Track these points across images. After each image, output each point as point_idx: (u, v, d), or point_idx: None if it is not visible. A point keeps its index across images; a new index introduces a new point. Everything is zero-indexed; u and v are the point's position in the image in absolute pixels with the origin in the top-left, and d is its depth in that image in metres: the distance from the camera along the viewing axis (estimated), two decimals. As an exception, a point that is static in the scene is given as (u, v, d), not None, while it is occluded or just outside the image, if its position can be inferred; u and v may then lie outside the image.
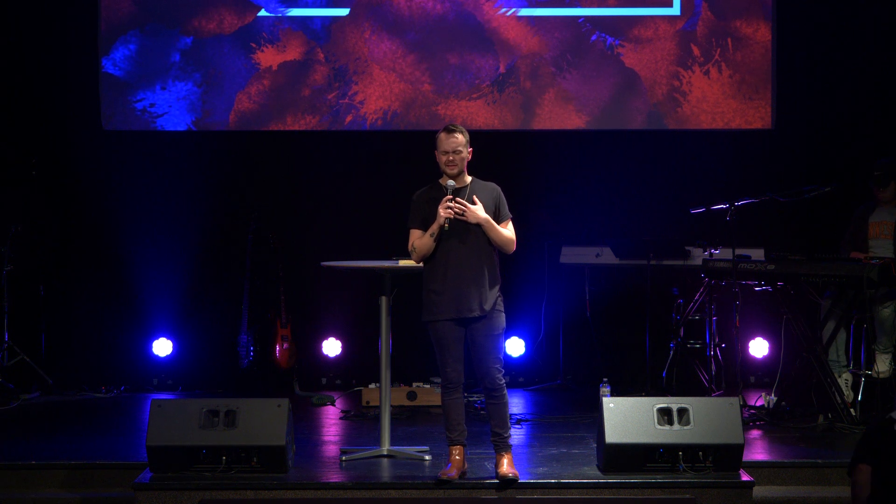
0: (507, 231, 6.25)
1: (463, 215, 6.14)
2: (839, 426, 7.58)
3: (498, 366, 6.23)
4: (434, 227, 6.15)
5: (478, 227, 6.17)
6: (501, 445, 6.29)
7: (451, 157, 6.21)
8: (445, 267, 6.18)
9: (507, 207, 6.31)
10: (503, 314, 6.26)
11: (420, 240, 6.21)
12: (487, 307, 6.17)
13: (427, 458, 6.75)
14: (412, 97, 9.54)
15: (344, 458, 6.80)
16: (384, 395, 6.91)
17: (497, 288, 6.24)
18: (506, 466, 6.24)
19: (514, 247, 6.26)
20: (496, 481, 6.26)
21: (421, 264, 6.32)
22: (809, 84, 9.54)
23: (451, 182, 6.21)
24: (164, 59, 9.54)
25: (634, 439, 6.35)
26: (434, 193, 6.26)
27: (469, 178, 6.30)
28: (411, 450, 6.90)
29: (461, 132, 6.24)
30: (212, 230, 9.66)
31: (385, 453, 6.83)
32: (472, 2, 9.51)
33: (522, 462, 6.73)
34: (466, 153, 6.25)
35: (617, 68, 9.54)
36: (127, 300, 9.61)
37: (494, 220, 6.21)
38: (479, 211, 6.16)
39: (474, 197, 6.22)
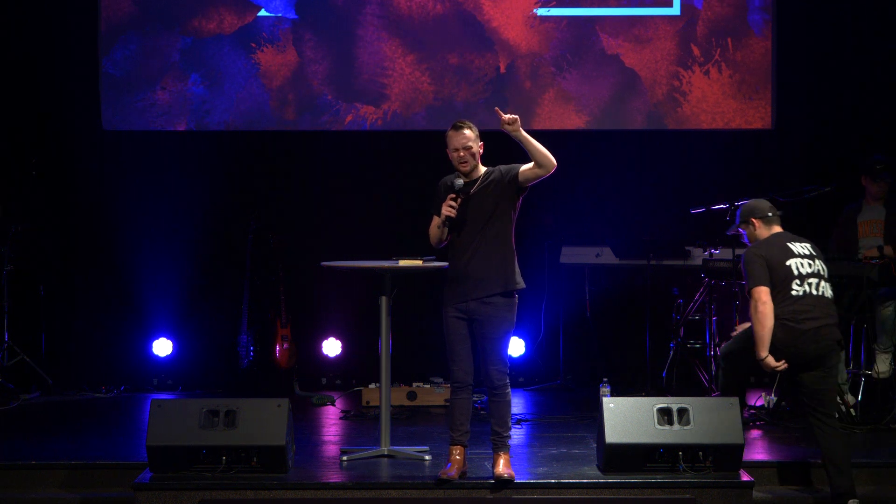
0: (535, 146, 6.14)
1: (455, 210, 6.15)
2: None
3: (500, 366, 6.21)
4: (439, 221, 6.20)
5: (490, 219, 6.16)
6: (500, 445, 6.28)
7: (461, 154, 6.21)
8: (454, 255, 6.25)
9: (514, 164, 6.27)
10: (511, 315, 6.22)
11: (431, 227, 6.27)
12: (507, 287, 6.15)
13: (427, 458, 6.75)
14: (412, 97, 9.54)
15: (344, 458, 6.80)
16: (384, 395, 6.90)
17: (506, 283, 6.18)
18: (502, 466, 6.23)
19: (552, 159, 6.17)
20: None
21: (423, 262, 6.43)
22: (809, 84, 9.54)
23: (458, 181, 6.21)
24: (164, 59, 9.54)
25: (634, 439, 6.35)
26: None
27: (483, 170, 6.29)
28: (411, 450, 6.90)
29: (469, 127, 6.23)
30: (212, 230, 9.66)
31: (385, 453, 6.83)
32: (473, 2, 9.52)
33: (522, 462, 6.73)
34: (477, 148, 6.25)
35: (617, 68, 9.54)
36: (127, 300, 9.61)
37: (514, 179, 6.18)
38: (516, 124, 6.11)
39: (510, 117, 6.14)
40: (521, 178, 6.19)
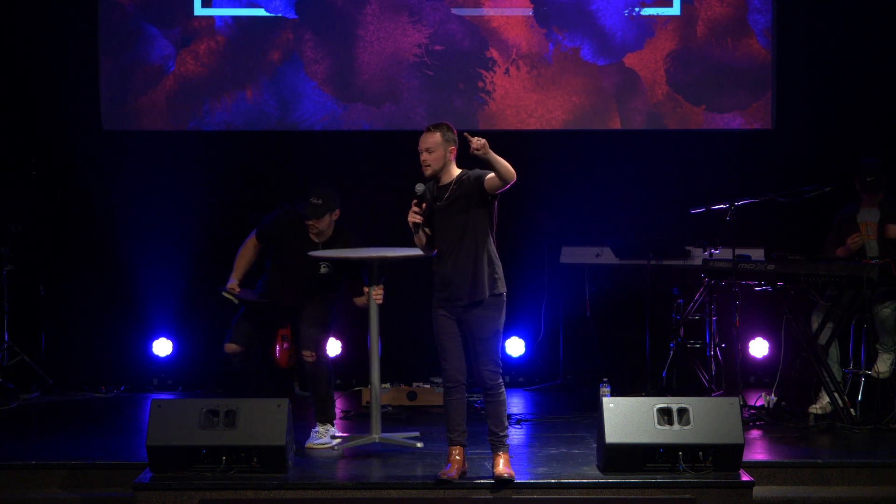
0: (498, 162, 5.98)
1: (420, 214, 6.15)
2: (839, 426, 7.58)
3: (490, 367, 6.20)
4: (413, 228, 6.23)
5: (466, 226, 6.14)
6: (498, 445, 6.28)
7: (423, 157, 6.17)
8: (438, 261, 6.25)
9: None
10: (498, 313, 6.21)
11: (415, 239, 6.30)
12: (475, 298, 6.14)
13: (419, 444, 6.78)
14: (412, 97, 9.53)
15: (335, 443, 6.91)
16: (374, 384, 7.01)
17: (490, 283, 6.17)
18: (502, 466, 6.23)
19: (513, 172, 5.99)
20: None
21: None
22: (809, 84, 9.54)
23: (419, 187, 6.18)
24: (163, 59, 9.54)
25: (634, 439, 6.35)
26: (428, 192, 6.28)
27: (456, 173, 6.24)
28: (401, 436, 6.96)
29: (441, 130, 6.16)
30: (212, 230, 9.65)
31: (377, 440, 6.91)
32: (473, 1, 9.51)
33: (522, 462, 6.74)
34: (444, 152, 6.16)
35: (617, 68, 9.54)
36: (127, 300, 9.61)
37: (480, 187, 6.09)
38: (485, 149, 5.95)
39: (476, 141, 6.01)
40: (486, 186, 6.12)
